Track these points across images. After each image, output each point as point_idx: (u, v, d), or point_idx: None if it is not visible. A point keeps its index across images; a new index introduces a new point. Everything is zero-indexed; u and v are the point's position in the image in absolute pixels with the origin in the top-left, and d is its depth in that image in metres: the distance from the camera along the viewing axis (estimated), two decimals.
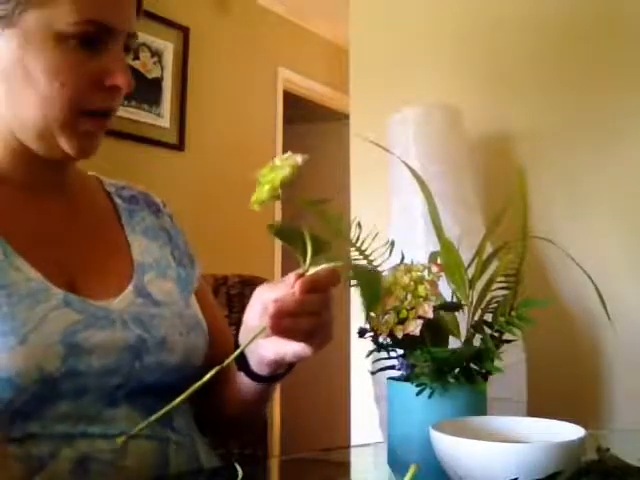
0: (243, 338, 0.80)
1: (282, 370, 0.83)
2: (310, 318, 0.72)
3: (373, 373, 0.88)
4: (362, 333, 0.83)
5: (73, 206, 0.89)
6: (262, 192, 0.63)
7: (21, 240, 0.79)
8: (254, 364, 0.82)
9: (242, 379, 0.85)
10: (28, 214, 0.84)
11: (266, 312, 0.70)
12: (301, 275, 0.70)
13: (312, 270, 0.70)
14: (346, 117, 2.27)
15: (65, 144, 0.79)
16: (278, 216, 3.88)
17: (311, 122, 4.46)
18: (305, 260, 0.69)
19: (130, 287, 0.85)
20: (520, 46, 1.92)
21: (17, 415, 0.73)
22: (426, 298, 0.77)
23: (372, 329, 0.80)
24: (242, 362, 0.82)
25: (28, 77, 0.76)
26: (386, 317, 0.77)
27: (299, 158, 0.63)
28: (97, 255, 0.87)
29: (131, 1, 0.81)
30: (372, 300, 0.70)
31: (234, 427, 1.02)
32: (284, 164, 0.63)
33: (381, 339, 0.80)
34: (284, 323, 0.70)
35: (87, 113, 0.79)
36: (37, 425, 0.74)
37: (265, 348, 0.77)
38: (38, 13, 0.75)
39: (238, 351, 0.73)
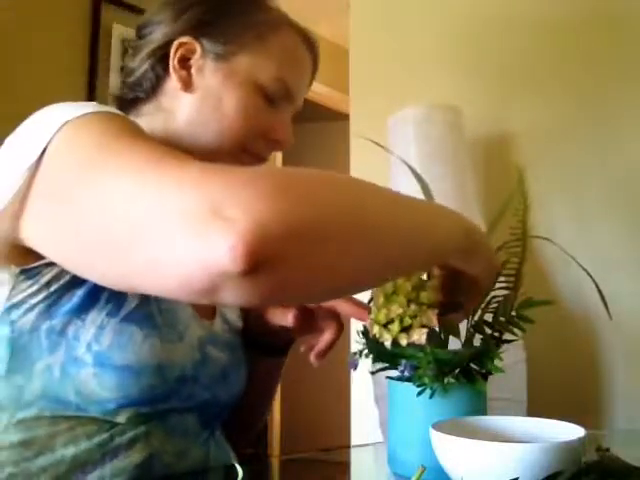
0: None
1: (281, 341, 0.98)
2: None
3: (373, 373, 0.88)
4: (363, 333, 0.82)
5: None
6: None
7: None
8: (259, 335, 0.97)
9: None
10: None
11: None
12: None
13: None
14: (346, 117, 2.26)
15: None
16: None
17: (311, 122, 4.45)
18: None
19: (218, 314, 0.93)
20: (520, 46, 1.92)
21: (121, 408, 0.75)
22: (429, 305, 0.76)
23: (374, 338, 0.78)
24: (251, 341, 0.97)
25: (219, 107, 0.85)
26: (389, 326, 0.76)
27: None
28: None
29: (308, 84, 0.96)
30: None
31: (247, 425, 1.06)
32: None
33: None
34: None
35: (248, 153, 0.89)
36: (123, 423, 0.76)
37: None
38: (249, 59, 0.87)
39: None
